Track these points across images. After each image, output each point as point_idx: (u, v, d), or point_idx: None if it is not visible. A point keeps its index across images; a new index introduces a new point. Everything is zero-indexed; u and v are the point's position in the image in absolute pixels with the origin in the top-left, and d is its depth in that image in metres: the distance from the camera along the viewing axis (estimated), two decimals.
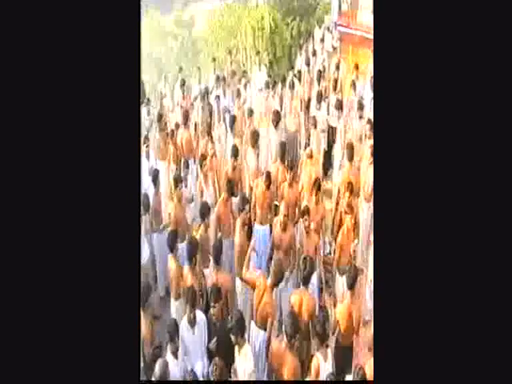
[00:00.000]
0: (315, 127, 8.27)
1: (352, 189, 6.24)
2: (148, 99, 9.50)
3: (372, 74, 9.45)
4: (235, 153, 7.14)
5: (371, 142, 6.99)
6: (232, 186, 6.43)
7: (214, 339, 4.72)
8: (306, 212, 5.85)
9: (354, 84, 9.42)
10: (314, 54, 11.82)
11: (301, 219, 5.89)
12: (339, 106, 8.34)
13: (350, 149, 6.97)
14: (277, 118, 8.20)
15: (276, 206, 6.53)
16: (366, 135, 7.61)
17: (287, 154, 7.48)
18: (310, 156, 7.29)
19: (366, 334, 4.90)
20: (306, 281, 5.00)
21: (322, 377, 4.24)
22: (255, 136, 7.48)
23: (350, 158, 6.94)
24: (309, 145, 7.47)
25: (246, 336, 4.58)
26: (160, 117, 8.62)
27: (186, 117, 8.32)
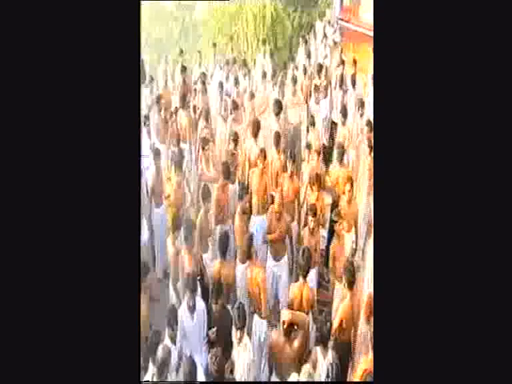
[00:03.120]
0: (315, 121, 8.26)
1: (352, 184, 6.27)
2: (151, 77, 9.39)
3: (372, 72, 9.47)
4: (235, 139, 7.09)
5: (369, 139, 7.04)
6: (229, 172, 6.39)
7: (214, 328, 4.69)
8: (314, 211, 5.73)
9: (353, 81, 9.41)
10: (315, 47, 11.78)
11: (310, 217, 5.73)
12: (344, 111, 8.10)
13: (342, 148, 7.00)
14: (278, 107, 8.07)
15: (272, 196, 6.52)
16: (363, 133, 7.64)
17: (287, 145, 7.44)
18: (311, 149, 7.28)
19: (364, 330, 4.93)
20: (305, 273, 5.02)
21: (320, 370, 4.28)
22: (256, 125, 7.33)
23: (341, 157, 6.96)
24: (309, 138, 7.46)
25: (246, 328, 4.55)
26: (159, 98, 8.53)
27: (185, 100, 8.24)
